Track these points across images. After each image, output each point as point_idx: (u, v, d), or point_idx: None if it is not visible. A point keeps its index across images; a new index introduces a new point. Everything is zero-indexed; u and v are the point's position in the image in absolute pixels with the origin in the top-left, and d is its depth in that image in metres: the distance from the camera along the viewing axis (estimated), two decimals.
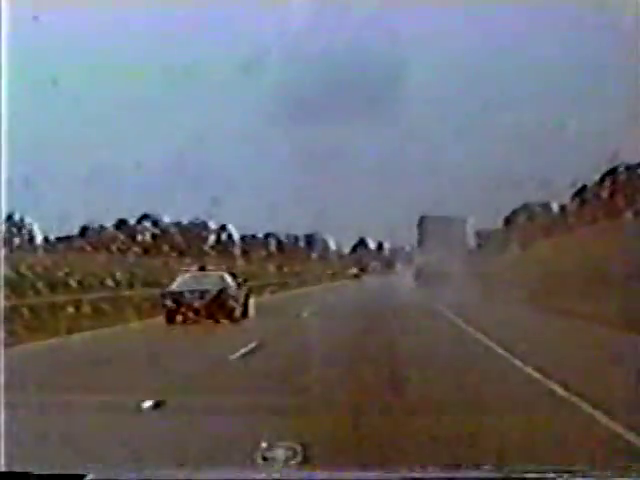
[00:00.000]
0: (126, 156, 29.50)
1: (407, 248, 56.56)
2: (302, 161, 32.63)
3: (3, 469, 5.75)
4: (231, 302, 22.33)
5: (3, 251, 25.81)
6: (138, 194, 36.26)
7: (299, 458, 4.55)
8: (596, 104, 28.20)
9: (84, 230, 41.14)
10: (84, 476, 4.25)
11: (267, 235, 51.14)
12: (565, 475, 3.72)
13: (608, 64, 23.85)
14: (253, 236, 50.19)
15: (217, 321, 21.44)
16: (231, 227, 46.05)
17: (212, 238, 45.66)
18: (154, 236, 42.04)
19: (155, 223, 43.41)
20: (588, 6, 23.04)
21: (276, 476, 4.37)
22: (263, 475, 4.47)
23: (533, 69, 31.33)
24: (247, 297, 23.94)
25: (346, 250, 56.74)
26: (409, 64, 34.80)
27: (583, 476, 4.03)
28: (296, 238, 52.65)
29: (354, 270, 55.37)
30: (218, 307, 21.85)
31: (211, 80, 30.78)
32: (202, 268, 24.90)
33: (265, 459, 4.58)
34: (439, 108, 36.95)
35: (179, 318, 21.52)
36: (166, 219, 43.14)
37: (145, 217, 44.13)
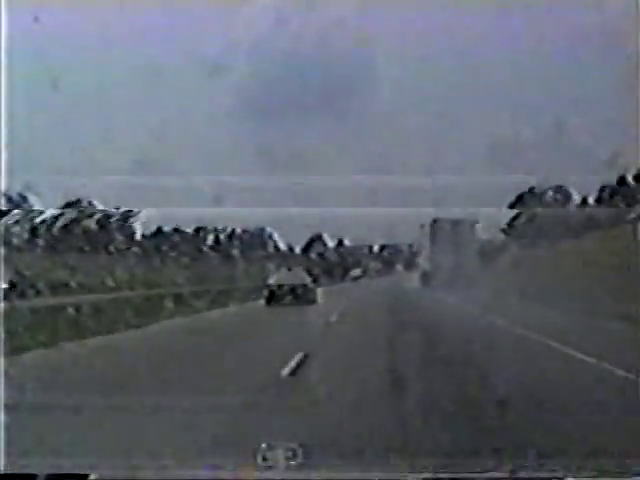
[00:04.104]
0: (120, 155, 29.75)
1: (376, 247, 49.61)
2: (266, 160, 32.41)
3: (3, 469, 5.73)
4: (308, 292, 31.02)
5: (3, 250, 25.83)
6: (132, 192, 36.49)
7: (299, 458, 4.54)
8: (596, 105, 28.14)
9: None
10: (87, 476, 4.26)
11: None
12: (567, 475, 3.71)
13: (607, 64, 23.86)
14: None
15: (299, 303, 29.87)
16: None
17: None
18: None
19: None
20: (587, 5, 23.03)
21: (276, 476, 4.37)
22: (263, 475, 4.47)
23: (516, 68, 30.95)
24: (316, 289, 32.49)
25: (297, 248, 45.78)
26: (379, 64, 34.72)
27: (584, 476, 4.02)
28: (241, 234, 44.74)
29: (355, 272, 48.39)
30: (301, 295, 30.38)
31: (179, 80, 30.79)
32: (289, 268, 33.84)
33: (265, 459, 4.58)
34: (409, 107, 36.04)
35: (275, 302, 30.04)
36: None
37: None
